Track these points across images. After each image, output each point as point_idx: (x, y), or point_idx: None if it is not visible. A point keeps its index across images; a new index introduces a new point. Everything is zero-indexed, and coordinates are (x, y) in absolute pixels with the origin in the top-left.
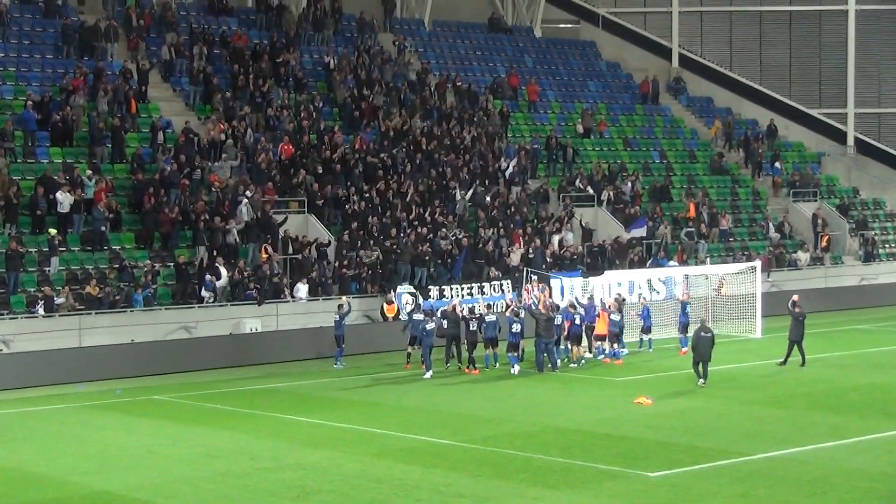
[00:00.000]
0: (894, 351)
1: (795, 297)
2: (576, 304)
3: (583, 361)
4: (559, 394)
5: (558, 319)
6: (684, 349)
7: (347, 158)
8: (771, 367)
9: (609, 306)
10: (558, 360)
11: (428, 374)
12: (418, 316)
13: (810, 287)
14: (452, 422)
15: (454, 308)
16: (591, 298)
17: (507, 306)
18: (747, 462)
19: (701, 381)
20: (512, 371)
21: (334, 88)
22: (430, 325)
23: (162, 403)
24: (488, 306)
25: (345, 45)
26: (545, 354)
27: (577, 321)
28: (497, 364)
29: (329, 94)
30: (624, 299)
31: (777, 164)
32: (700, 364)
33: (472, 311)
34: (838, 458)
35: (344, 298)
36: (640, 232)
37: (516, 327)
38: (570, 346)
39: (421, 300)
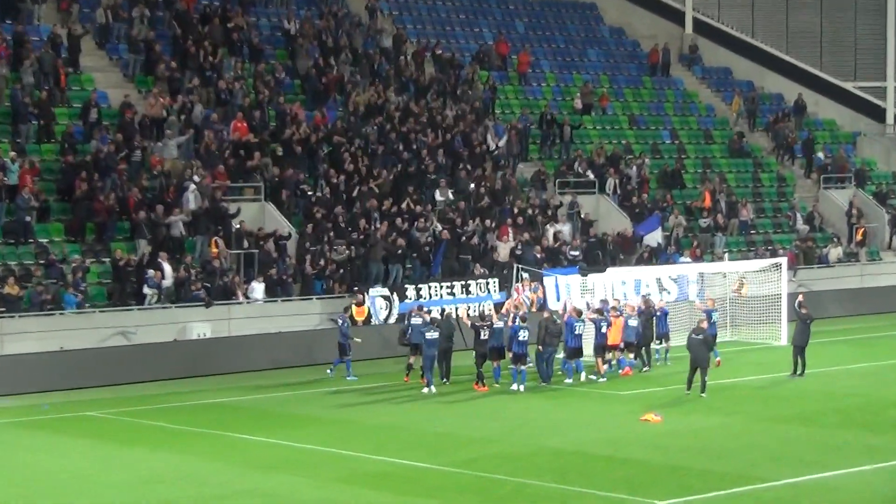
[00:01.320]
0: None
1: (801, 298)
2: (601, 309)
3: (603, 378)
4: (555, 410)
5: (579, 328)
6: (718, 359)
7: (311, 139)
8: (797, 379)
9: (626, 309)
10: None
11: (426, 390)
12: (416, 320)
13: (843, 287)
14: (431, 442)
15: (447, 316)
16: (604, 301)
17: (499, 309)
18: (770, 489)
19: (687, 392)
20: (514, 387)
21: (296, 58)
22: (433, 334)
23: (96, 420)
24: (496, 308)
25: (307, 8)
26: (545, 365)
27: (603, 329)
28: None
29: (290, 64)
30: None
31: (819, 155)
32: (696, 371)
33: (482, 316)
34: (875, 484)
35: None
36: (654, 237)
37: (523, 335)
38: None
39: (397, 303)
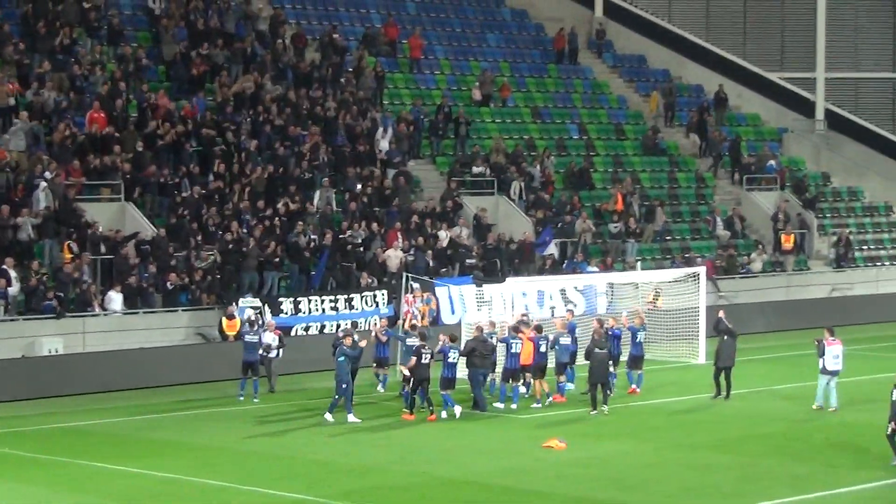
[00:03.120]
0: (872, 381)
1: (722, 314)
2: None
3: (549, 400)
4: (447, 436)
5: (515, 346)
6: (634, 386)
7: (177, 132)
8: (718, 401)
9: (557, 326)
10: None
11: (354, 419)
12: (412, 339)
13: (768, 299)
14: (307, 471)
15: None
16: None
17: (403, 321)
18: None
19: (594, 411)
20: (451, 413)
21: (160, 41)
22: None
23: None
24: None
25: None
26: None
27: (543, 349)
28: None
29: (154, 48)
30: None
31: (772, 163)
32: (597, 387)
33: (423, 336)
34: None
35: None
36: (550, 249)
37: (453, 356)
38: (530, 379)
39: (269, 316)
